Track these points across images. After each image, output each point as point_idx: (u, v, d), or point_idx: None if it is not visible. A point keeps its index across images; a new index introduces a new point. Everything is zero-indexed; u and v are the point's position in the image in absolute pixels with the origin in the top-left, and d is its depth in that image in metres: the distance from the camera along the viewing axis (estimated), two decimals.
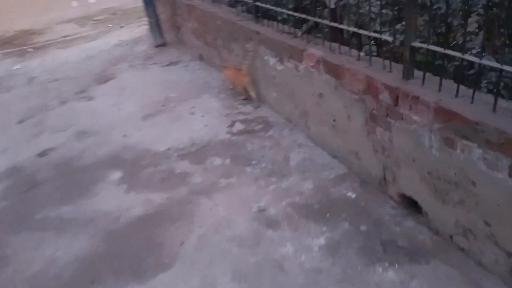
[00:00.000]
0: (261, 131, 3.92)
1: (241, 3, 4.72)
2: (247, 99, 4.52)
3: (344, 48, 3.10)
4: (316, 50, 3.23)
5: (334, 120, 3.18)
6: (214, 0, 5.40)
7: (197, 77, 5.53)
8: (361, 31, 2.83)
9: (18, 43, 9.39)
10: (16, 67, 7.39)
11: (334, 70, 3.00)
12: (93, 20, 10.61)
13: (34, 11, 12.50)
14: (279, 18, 4.04)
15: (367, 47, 3.12)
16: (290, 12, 3.59)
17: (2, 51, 8.84)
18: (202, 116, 4.40)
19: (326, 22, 3.15)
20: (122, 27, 9.29)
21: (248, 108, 4.42)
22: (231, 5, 5.07)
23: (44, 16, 11.75)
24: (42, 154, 4.15)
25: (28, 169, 3.91)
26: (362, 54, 2.91)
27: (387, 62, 2.66)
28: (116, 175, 3.60)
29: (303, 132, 3.72)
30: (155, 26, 6.87)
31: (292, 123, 3.90)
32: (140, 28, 8.76)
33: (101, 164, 3.81)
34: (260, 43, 4.06)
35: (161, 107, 4.79)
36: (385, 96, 2.55)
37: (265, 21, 4.18)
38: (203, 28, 5.68)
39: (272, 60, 3.91)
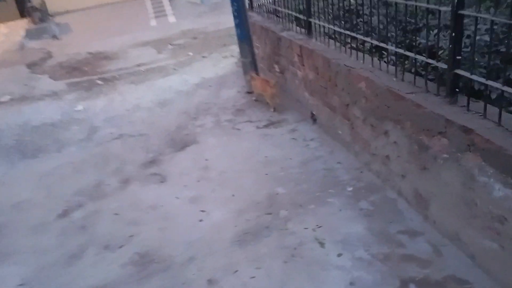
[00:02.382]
0: None
1: (412, 64, 2.87)
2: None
3: None
4: None
5: None
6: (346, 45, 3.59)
7: (313, 157, 3.73)
8: None
9: (87, 71, 8.24)
10: (78, 108, 6.07)
11: None
12: (172, 45, 9.30)
13: (110, 31, 11.52)
14: (488, 92, 2.18)
15: None
16: None
17: (68, 80, 7.70)
18: (339, 255, 2.58)
19: None
20: (205, 57, 7.79)
21: (419, 245, 2.54)
22: (377, 55, 3.23)
23: (120, 37, 10.70)
24: None
25: None
26: None
27: None
28: None
29: None
30: (250, 67, 5.20)
31: None
32: (225, 61, 7.21)
33: None
34: (470, 149, 2.17)
35: (266, 216, 3.04)
36: None
37: (470, 102, 2.30)
38: (324, 83, 3.90)
39: (504, 191, 2.00)
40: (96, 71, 8.11)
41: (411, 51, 2.74)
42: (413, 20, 2.89)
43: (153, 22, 12.21)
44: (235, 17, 4.98)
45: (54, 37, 11.65)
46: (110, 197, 3.64)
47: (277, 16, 5.47)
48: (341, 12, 3.74)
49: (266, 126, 4.50)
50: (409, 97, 2.64)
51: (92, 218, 3.38)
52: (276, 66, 5.19)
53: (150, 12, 13.26)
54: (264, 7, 5.70)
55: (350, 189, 3.19)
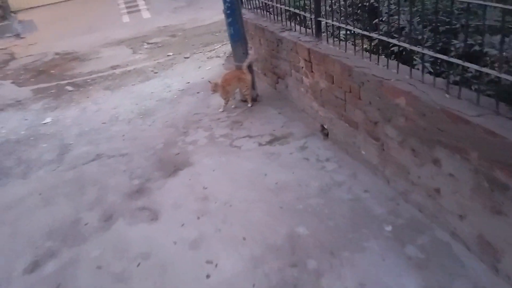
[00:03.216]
0: None
1: (465, 77, 2.30)
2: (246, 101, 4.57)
3: None
4: None
5: None
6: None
7: (334, 182, 3.15)
8: None
9: (56, 74, 7.41)
10: (46, 121, 5.29)
11: None
12: (148, 44, 8.54)
13: (80, 27, 10.62)
14: None
15: None
16: None
17: (34, 86, 6.86)
18: None
19: None
20: (187, 57, 7.08)
21: None
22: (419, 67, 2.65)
23: (91, 35, 9.86)
24: None
25: None
26: None
27: None
28: None
29: None
30: None
31: None
32: (210, 63, 6.53)
33: None
34: None
35: (290, 269, 2.44)
36: None
37: None
38: (341, 94, 3.31)
39: None
40: (65, 75, 7.29)
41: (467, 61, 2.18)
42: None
43: (126, 18, 11.35)
44: (227, 15, 4.32)
45: (17, 35, 10.65)
46: (90, 241, 2.96)
47: (269, 13, 4.85)
48: (362, 10, 3.16)
49: (269, 142, 3.88)
50: (476, 121, 2.07)
51: (68, 271, 2.70)
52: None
53: (121, 7, 12.38)
54: (257, 2, 5.05)
55: (389, 228, 2.62)
